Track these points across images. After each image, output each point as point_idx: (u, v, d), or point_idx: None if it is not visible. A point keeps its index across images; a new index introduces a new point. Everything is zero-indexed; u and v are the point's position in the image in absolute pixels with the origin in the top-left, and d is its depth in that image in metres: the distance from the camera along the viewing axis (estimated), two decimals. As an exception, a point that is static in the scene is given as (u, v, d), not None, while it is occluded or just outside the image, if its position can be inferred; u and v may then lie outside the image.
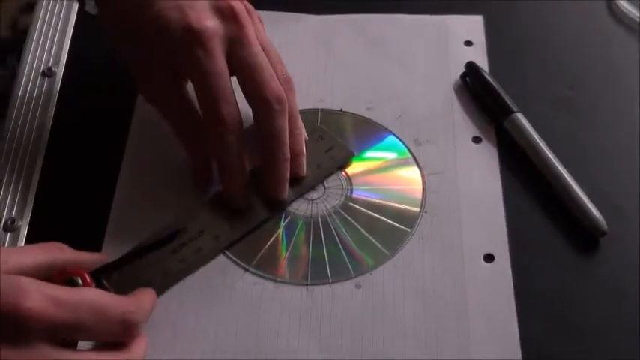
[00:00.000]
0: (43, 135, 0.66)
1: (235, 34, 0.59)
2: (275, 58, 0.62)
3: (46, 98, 0.68)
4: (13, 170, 0.64)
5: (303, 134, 0.63)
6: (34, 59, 0.70)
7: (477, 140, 0.65)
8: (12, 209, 0.62)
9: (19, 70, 0.69)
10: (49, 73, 0.69)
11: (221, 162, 0.60)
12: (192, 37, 0.58)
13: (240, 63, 0.59)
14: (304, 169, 0.62)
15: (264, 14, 0.69)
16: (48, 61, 0.70)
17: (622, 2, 0.72)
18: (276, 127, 0.59)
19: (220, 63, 0.59)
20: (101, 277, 0.55)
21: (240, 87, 0.60)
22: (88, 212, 0.62)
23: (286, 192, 0.61)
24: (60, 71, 0.69)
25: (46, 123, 0.67)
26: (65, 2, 0.74)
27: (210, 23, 0.59)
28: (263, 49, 0.61)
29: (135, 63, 0.62)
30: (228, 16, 0.60)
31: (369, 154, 0.65)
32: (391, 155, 0.65)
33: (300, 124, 0.63)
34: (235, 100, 0.59)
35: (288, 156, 0.60)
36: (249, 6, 0.62)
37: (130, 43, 0.61)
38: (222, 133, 0.59)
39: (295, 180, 0.62)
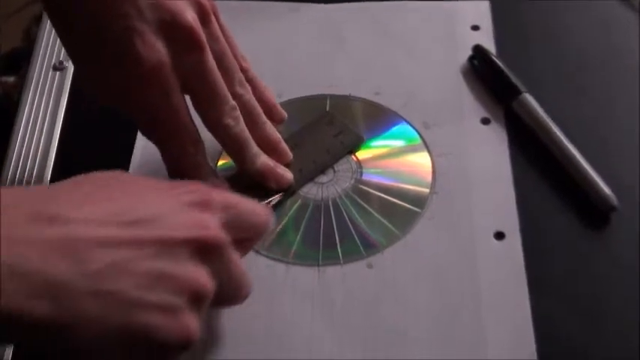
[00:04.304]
0: (55, 128, 0.67)
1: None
2: (237, 53, 0.61)
3: (58, 92, 0.69)
4: (25, 165, 0.64)
5: (281, 113, 0.63)
6: (45, 53, 0.71)
7: (485, 121, 0.65)
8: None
9: (31, 65, 0.70)
10: (60, 66, 0.70)
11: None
12: None
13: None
14: (289, 154, 0.62)
15: (272, 4, 0.69)
16: (59, 55, 0.71)
17: (627, -18, 0.73)
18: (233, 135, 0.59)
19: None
20: None
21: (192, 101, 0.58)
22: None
23: (282, 176, 0.61)
24: (71, 65, 0.70)
25: (58, 116, 0.67)
26: None
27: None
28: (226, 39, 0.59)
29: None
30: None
31: (379, 138, 0.65)
32: (401, 139, 0.65)
33: (265, 119, 0.61)
34: None
35: (258, 150, 0.60)
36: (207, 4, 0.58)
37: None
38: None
39: (304, 164, 0.62)
